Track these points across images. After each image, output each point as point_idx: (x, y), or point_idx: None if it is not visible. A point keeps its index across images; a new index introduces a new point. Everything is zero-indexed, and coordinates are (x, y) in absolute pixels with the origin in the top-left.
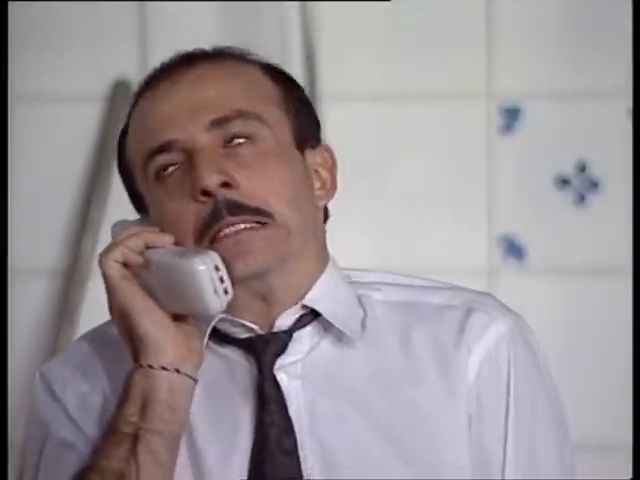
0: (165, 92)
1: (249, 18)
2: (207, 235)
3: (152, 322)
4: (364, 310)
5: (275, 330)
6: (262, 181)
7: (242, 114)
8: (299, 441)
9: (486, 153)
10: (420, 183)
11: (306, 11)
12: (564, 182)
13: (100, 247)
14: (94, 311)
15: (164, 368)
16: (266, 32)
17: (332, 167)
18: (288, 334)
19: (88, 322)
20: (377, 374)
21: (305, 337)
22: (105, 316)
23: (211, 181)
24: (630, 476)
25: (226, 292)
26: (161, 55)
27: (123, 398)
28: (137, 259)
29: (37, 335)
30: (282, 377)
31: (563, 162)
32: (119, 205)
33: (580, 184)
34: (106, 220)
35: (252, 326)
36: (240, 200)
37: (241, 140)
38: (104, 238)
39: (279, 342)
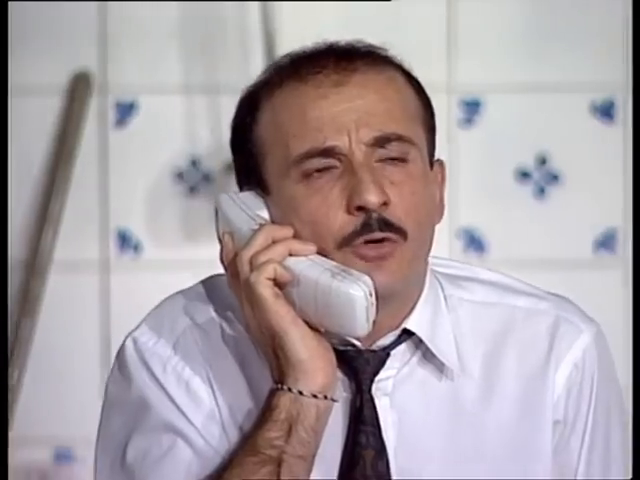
0: (329, 92)
1: (208, 9)
2: (351, 244)
3: (308, 349)
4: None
5: (374, 348)
6: (408, 202)
7: (400, 137)
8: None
9: (446, 146)
10: None
11: (266, 8)
12: (524, 175)
13: (60, 239)
14: (55, 303)
15: (315, 396)
16: (224, 23)
17: (442, 184)
18: (386, 352)
19: (49, 314)
20: (463, 395)
21: (398, 354)
22: (66, 309)
23: (374, 199)
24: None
25: (373, 315)
26: (122, 47)
27: (266, 419)
28: (288, 277)
29: None
30: (376, 395)
31: (523, 155)
32: (79, 197)
33: (540, 177)
34: (66, 212)
35: (356, 343)
36: (389, 218)
37: (395, 160)
38: (64, 230)
39: (378, 360)
